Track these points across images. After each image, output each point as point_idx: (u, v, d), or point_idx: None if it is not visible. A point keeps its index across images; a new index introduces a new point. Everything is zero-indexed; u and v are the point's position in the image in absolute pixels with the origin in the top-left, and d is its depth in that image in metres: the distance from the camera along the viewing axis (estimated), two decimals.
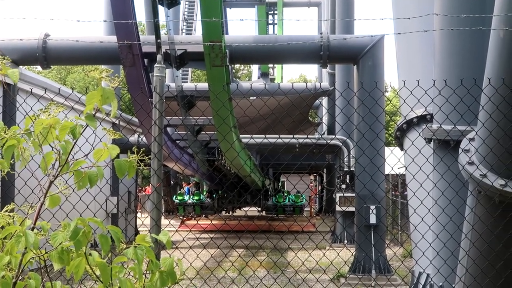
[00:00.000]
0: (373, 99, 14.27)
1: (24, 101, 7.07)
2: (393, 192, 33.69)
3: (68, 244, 3.16)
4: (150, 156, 6.60)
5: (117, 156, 3.42)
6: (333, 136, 31.11)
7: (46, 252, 3.26)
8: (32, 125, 3.32)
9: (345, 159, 29.46)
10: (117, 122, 25.09)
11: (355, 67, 19.91)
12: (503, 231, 6.39)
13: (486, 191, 6.32)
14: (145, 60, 16.80)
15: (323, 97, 38.19)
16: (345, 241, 28.04)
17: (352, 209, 25.74)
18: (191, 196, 37.30)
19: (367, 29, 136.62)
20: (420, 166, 7.78)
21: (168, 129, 20.46)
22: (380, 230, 19.69)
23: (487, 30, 6.79)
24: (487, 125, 6.25)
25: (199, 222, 35.60)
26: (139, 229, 29.79)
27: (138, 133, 27.03)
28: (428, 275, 10.10)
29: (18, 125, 3.46)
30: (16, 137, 3.34)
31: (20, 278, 3.23)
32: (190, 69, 41.29)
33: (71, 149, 3.36)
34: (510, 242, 6.43)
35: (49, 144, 3.35)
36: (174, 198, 38.27)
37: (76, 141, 3.35)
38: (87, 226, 3.20)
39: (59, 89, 16.21)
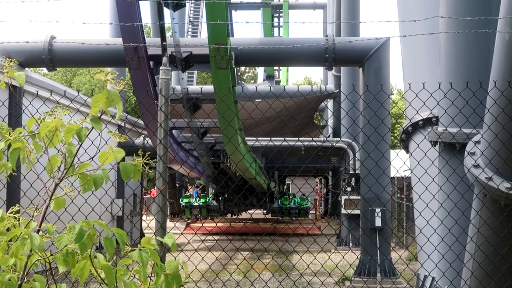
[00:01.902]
0: (379, 101, 14.24)
1: (30, 103, 7.08)
2: (398, 195, 33.65)
3: (73, 246, 3.17)
4: (155, 159, 6.60)
5: (123, 159, 3.42)
6: (339, 139, 31.10)
7: (51, 255, 3.26)
8: (37, 127, 3.33)
9: (350, 162, 29.43)
10: (122, 124, 25.13)
11: (360, 69, 19.90)
12: (508, 235, 6.37)
13: (492, 194, 6.31)
14: (151, 63, 16.82)
15: (329, 100, 38.20)
16: (351, 244, 28.00)
17: (358, 212, 25.72)
18: (198, 199, 37.45)
19: (372, 32, 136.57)
20: (425, 169, 7.77)
21: (174, 131, 20.48)
22: (385, 233, 19.66)
23: (492, 33, 6.78)
24: (493, 128, 6.24)
25: (204, 224, 35.63)
26: (144, 232, 29.82)
27: (143, 136, 27.05)
28: (433, 278, 10.07)
29: (24, 127, 3.46)
30: (21, 140, 3.35)
31: (25, 280, 3.24)
32: (195, 72, 41.34)
33: (77, 152, 3.37)
34: None
35: (55, 147, 3.36)
36: (180, 201, 38.39)
37: (82, 143, 3.35)
38: (92, 228, 3.21)
39: (65, 91, 16.25)
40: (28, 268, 3.24)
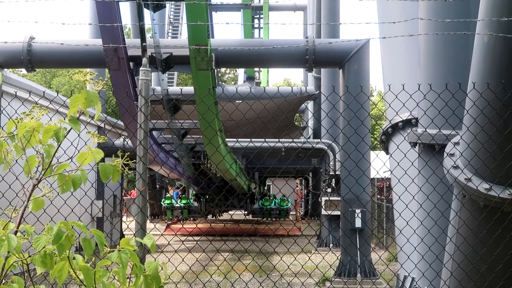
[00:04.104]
0: (359, 103, 14.31)
1: (9, 104, 7.04)
2: (378, 196, 33.77)
3: (52, 248, 3.15)
4: (135, 160, 6.57)
5: (103, 160, 3.41)
6: (319, 140, 31.14)
7: (29, 256, 3.24)
8: (15, 129, 3.30)
9: (330, 163, 29.49)
10: (102, 125, 25.02)
11: (340, 71, 19.94)
12: (487, 235, 6.41)
13: (471, 195, 6.34)
14: (131, 64, 16.75)
15: (309, 101, 38.27)
16: (331, 245, 28.05)
17: (338, 212, 25.77)
18: (179, 200, 37.45)
19: (352, 33, 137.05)
20: (405, 170, 7.80)
21: (154, 132, 20.42)
22: (365, 234, 19.72)
23: (471, 35, 6.82)
24: (472, 129, 6.28)
25: (184, 225, 35.58)
26: (124, 233, 29.70)
27: (123, 137, 26.95)
28: (413, 278, 10.11)
29: (2, 128, 3.44)
30: None
31: (3, 282, 3.21)
32: (175, 73, 41.28)
33: (55, 153, 3.35)
34: (494, 246, 6.45)
35: (33, 147, 3.33)
36: (162, 202, 38.37)
37: (60, 144, 3.33)
38: (70, 230, 3.19)
39: (43, 92, 16.14)
40: (5, 270, 3.22)
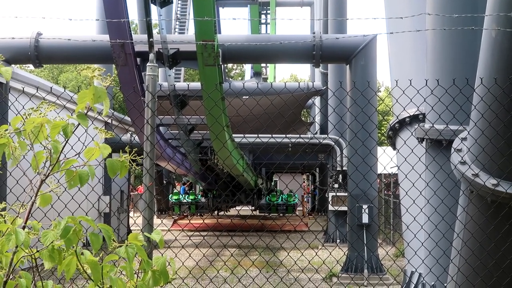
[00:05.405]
0: (366, 98, 14.29)
1: (16, 99, 7.05)
2: (385, 192, 33.73)
3: (60, 243, 3.15)
4: (142, 155, 6.59)
5: (110, 155, 3.41)
6: (326, 136, 31.12)
7: (37, 251, 3.24)
8: (22, 124, 3.31)
9: (337, 159, 29.46)
10: (109, 121, 25.05)
11: (347, 66, 19.92)
12: (495, 231, 6.40)
13: (478, 190, 6.33)
14: (138, 59, 16.77)
15: (316, 97, 38.25)
16: (338, 241, 28.03)
17: (345, 208, 25.75)
18: (187, 196, 37.54)
19: (359, 29, 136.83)
20: (412, 166, 7.79)
21: (161, 128, 20.44)
22: (372, 230, 19.70)
23: (479, 30, 6.80)
24: (479, 125, 6.26)
25: (191, 221, 35.61)
26: (131, 229, 29.75)
27: (130, 132, 26.97)
28: (420, 274, 10.11)
29: (10, 124, 3.44)
30: (6, 136, 3.32)
31: (11, 277, 3.22)
32: (182, 68, 41.28)
33: (63, 148, 3.35)
34: (501, 241, 6.44)
35: (41, 143, 3.34)
36: (170, 198, 38.45)
37: (68, 140, 3.33)
38: (78, 224, 3.19)
39: (51, 88, 16.17)
40: (14, 265, 3.22)
